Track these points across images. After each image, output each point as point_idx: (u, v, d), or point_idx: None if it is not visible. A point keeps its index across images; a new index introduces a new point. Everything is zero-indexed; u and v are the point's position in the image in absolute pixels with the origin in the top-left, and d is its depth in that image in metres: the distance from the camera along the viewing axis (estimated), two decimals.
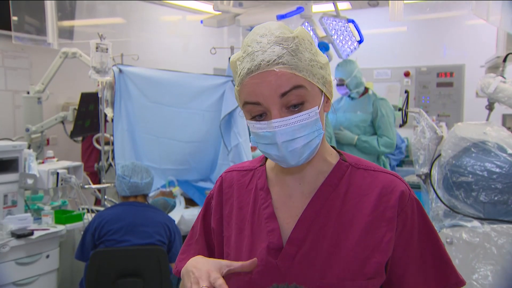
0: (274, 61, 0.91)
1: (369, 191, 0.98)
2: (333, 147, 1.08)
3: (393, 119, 3.88)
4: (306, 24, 3.37)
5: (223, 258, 1.07)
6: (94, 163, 4.06)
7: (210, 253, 1.13)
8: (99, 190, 3.46)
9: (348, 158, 1.05)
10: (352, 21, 3.39)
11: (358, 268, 0.94)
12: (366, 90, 3.83)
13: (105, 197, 3.47)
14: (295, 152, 0.92)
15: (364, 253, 0.95)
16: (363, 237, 0.95)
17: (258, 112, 0.93)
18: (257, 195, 1.05)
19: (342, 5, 3.67)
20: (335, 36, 3.43)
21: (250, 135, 1.00)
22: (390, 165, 4.36)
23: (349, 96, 3.80)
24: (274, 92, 0.90)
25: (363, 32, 3.31)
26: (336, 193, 0.99)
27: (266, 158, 1.11)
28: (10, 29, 3.64)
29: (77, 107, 3.64)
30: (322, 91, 0.96)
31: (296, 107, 0.92)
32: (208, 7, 4.05)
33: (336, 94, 3.48)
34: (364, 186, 0.99)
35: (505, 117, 4.67)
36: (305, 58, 0.93)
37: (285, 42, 0.93)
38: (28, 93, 3.75)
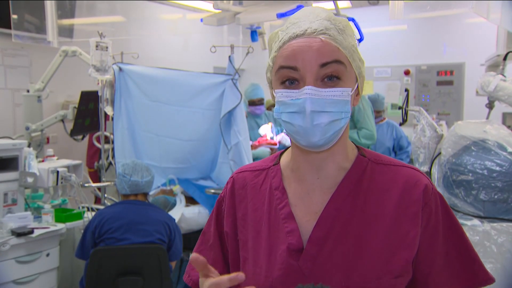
0: (321, 30, 0.88)
1: (391, 186, 0.95)
2: (353, 142, 1.04)
3: (371, 111, 4.05)
4: None
5: (238, 263, 1.03)
6: (97, 160, 4.08)
7: (225, 259, 1.08)
8: (99, 188, 3.46)
9: (367, 153, 1.01)
10: (352, 20, 3.37)
11: (384, 266, 0.90)
12: None
13: (105, 195, 3.47)
14: (319, 127, 0.87)
15: (389, 250, 0.91)
16: (387, 234, 0.92)
17: (290, 78, 0.89)
18: (272, 195, 1.01)
19: (342, 4, 3.67)
20: None
21: (275, 107, 0.95)
22: None
23: None
24: (314, 60, 0.87)
25: (363, 30, 3.29)
26: (358, 189, 0.95)
27: (280, 157, 1.07)
28: (10, 28, 3.64)
29: (77, 106, 3.64)
30: (357, 80, 0.94)
31: (331, 79, 0.88)
32: (208, 6, 4.05)
33: None
34: (385, 181, 0.96)
35: (505, 116, 4.66)
36: (349, 41, 0.91)
37: (334, 20, 0.91)
38: (28, 91, 3.75)
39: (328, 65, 0.87)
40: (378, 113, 4.52)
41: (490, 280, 0.98)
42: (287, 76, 0.90)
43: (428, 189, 0.94)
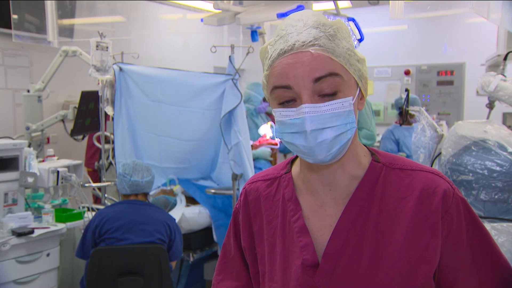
0: (310, 42, 0.83)
1: (408, 193, 0.89)
2: (365, 146, 0.99)
3: (371, 111, 4.05)
4: None
5: (258, 277, 1.01)
6: (96, 160, 4.08)
7: (248, 271, 1.05)
8: (99, 188, 3.46)
9: (382, 157, 0.95)
10: (353, 20, 3.38)
11: (404, 281, 0.85)
12: None
13: (106, 195, 3.47)
14: (324, 144, 0.83)
15: (408, 264, 0.85)
16: (405, 246, 0.86)
17: (286, 98, 0.85)
18: (286, 206, 0.96)
19: (342, 4, 3.66)
20: None
21: (275, 127, 0.92)
22: None
23: None
24: (307, 75, 0.82)
25: (363, 30, 3.29)
26: (372, 199, 0.89)
27: (292, 164, 1.02)
28: (10, 28, 3.64)
29: (77, 106, 3.64)
30: (358, 85, 0.88)
31: (329, 96, 0.83)
32: (208, 6, 4.05)
33: None
34: (402, 188, 0.89)
35: (505, 116, 4.67)
36: (343, 45, 0.86)
37: (323, 26, 0.86)
38: (28, 91, 3.75)
39: (322, 79, 0.82)
40: (412, 117, 4.42)
41: None
42: (283, 95, 0.85)
43: (448, 195, 0.88)
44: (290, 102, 0.85)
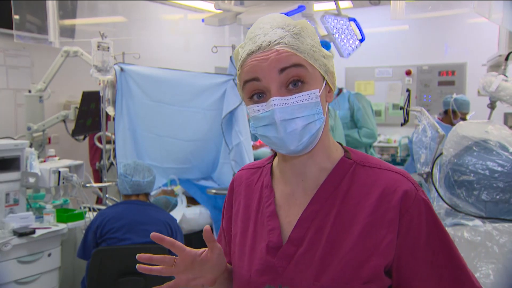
0: (275, 41, 0.91)
1: (371, 190, 0.94)
2: (340, 144, 1.04)
3: (371, 110, 4.06)
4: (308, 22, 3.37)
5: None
6: (98, 161, 4.08)
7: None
8: (100, 188, 3.46)
9: (354, 155, 1.00)
10: (354, 20, 3.38)
11: (354, 271, 0.90)
12: (340, 90, 4.07)
13: (107, 195, 3.48)
14: (294, 134, 0.89)
15: (361, 256, 0.91)
16: (361, 239, 0.91)
17: (257, 90, 0.92)
18: (262, 193, 1.05)
19: (343, 4, 3.67)
20: (337, 35, 3.43)
21: (250, 123, 0.98)
22: None
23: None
24: (273, 67, 0.89)
25: (364, 30, 3.30)
26: (337, 192, 0.96)
27: (274, 156, 1.10)
28: (11, 28, 3.64)
29: (78, 106, 3.64)
30: (324, 78, 0.94)
31: (295, 85, 0.90)
32: (209, 6, 4.05)
33: None
34: (367, 185, 0.95)
35: (507, 116, 4.66)
36: (307, 42, 0.93)
37: (288, 26, 0.93)
38: (29, 91, 3.76)
39: (287, 70, 0.89)
40: (463, 115, 4.31)
41: None
42: (252, 88, 0.92)
43: (409, 196, 0.92)
44: (261, 96, 0.92)
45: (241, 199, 1.09)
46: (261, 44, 0.91)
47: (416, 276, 0.93)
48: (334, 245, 0.93)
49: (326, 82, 0.95)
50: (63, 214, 2.96)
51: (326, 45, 3.41)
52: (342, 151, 1.02)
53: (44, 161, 3.23)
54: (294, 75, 0.89)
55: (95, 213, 2.79)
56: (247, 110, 1.00)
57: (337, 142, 1.04)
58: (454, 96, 4.32)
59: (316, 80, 0.92)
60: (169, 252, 2.81)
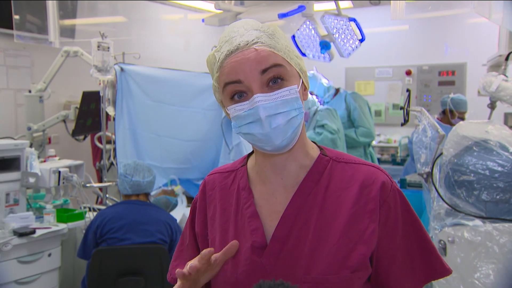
0: (253, 40, 0.94)
1: (350, 184, 0.98)
2: (314, 142, 1.08)
3: (368, 109, 4.08)
4: (308, 22, 3.37)
5: None
6: (98, 161, 4.08)
7: None
8: (100, 188, 3.46)
9: (329, 152, 1.05)
10: (354, 20, 3.38)
11: (342, 261, 0.94)
12: (337, 90, 4.10)
13: (107, 195, 3.48)
14: (278, 129, 0.92)
15: (347, 246, 0.94)
16: (345, 230, 0.95)
17: (238, 91, 0.94)
18: (240, 195, 1.05)
19: (343, 4, 3.66)
20: (337, 35, 3.43)
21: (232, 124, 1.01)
22: None
23: (324, 102, 4.08)
24: (254, 68, 0.92)
25: (364, 30, 3.30)
26: (318, 187, 0.99)
27: (247, 158, 1.11)
28: (11, 28, 3.64)
29: (78, 106, 3.64)
30: (300, 76, 0.98)
31: (275, 82, 0.93)
32: (210, 6, 4.05)
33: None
34: (345, 179, 0.99)
35: (507, 116, 4.66)
36: (282, 43, 0.97)
37: (262, 28, 0.97)
38: (29, 91, 3.76)
39: (268, 70, 0.92)
40: (461, 114, 4.27)
41: (447, 272, 1.03)
42: (234, 90, 0.94)
43: (386, 186, 0.98)
44: (242, 96, 0.94)
45: (216, 203, 1.08)
46: (239, 44, 0.94)
47: (394, 264, 0.98)
48: (321, 239, 0.96)
49: (302, 82, 0.98)
50: (63, 214, 2.96)
51: (326, 45, 3.41)
52: (318, 149, 1.06)
53: (44, 161, 3.23)
54: (275, 74, 0.93)
55: (95, 213, 2.79)
56: (225, 112, 1.00)
57: (312, 141, 1.07)
58: (451, 95, 4.31)
59: (294, 78, 0.96)
60: (170, 253, 2.81)
